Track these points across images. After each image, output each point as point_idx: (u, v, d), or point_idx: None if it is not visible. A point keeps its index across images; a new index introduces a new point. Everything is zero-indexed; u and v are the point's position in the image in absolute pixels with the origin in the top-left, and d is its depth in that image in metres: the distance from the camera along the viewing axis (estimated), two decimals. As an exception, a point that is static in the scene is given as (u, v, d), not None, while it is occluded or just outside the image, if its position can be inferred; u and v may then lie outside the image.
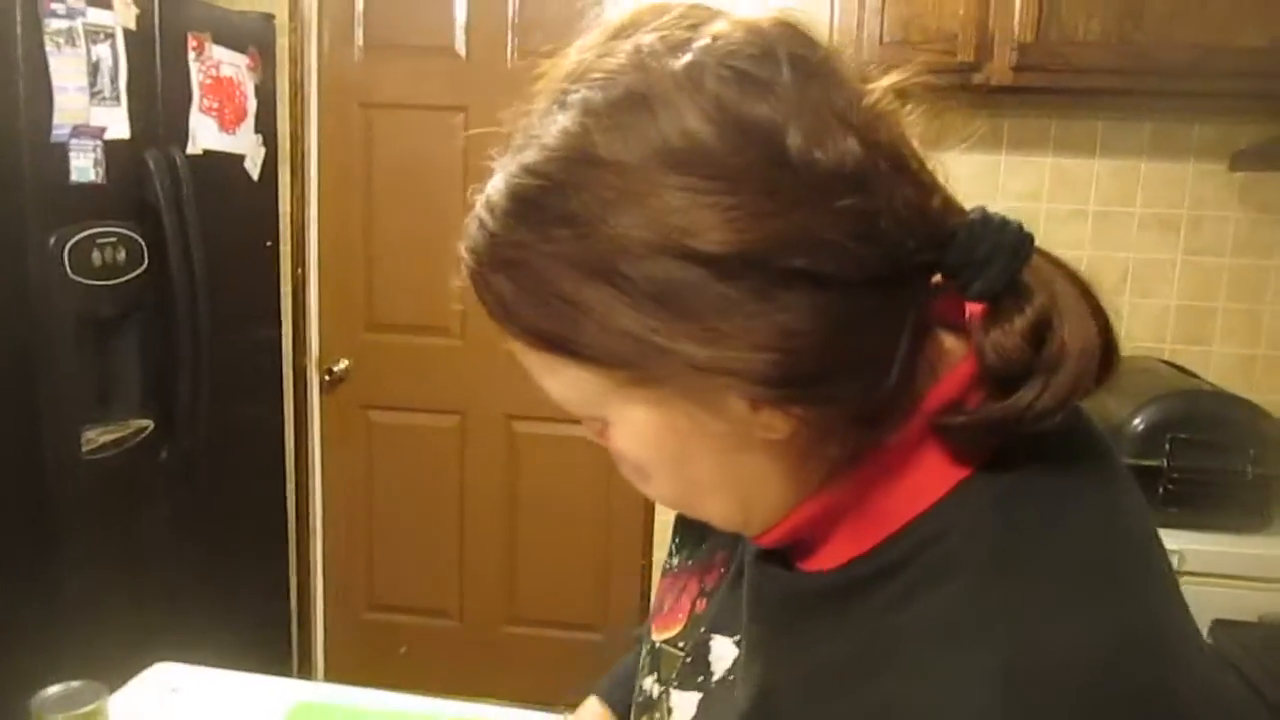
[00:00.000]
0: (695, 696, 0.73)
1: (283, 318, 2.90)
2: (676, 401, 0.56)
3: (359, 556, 3.17)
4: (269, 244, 2.76)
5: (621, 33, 0.57)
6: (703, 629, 0.75)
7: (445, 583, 3.15)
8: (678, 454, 0.59)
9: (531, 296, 0.56)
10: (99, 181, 1.99)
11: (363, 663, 3.14)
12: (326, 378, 3.05)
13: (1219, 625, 1.85)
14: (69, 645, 1.92)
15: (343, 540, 3.17)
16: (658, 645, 0.81)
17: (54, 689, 1.25)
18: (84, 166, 1.95)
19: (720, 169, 0.51)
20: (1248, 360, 2.55)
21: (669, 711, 0.74)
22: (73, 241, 1.92)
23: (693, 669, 0.74)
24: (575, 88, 0.56)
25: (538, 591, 3.09)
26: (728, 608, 0.74)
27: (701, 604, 0.79)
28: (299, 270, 2.93)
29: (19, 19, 1.78)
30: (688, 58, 0.54)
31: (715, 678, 0.72)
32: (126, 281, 2.07)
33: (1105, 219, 2.56)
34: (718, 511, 0.64)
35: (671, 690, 0.75)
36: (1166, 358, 2.52)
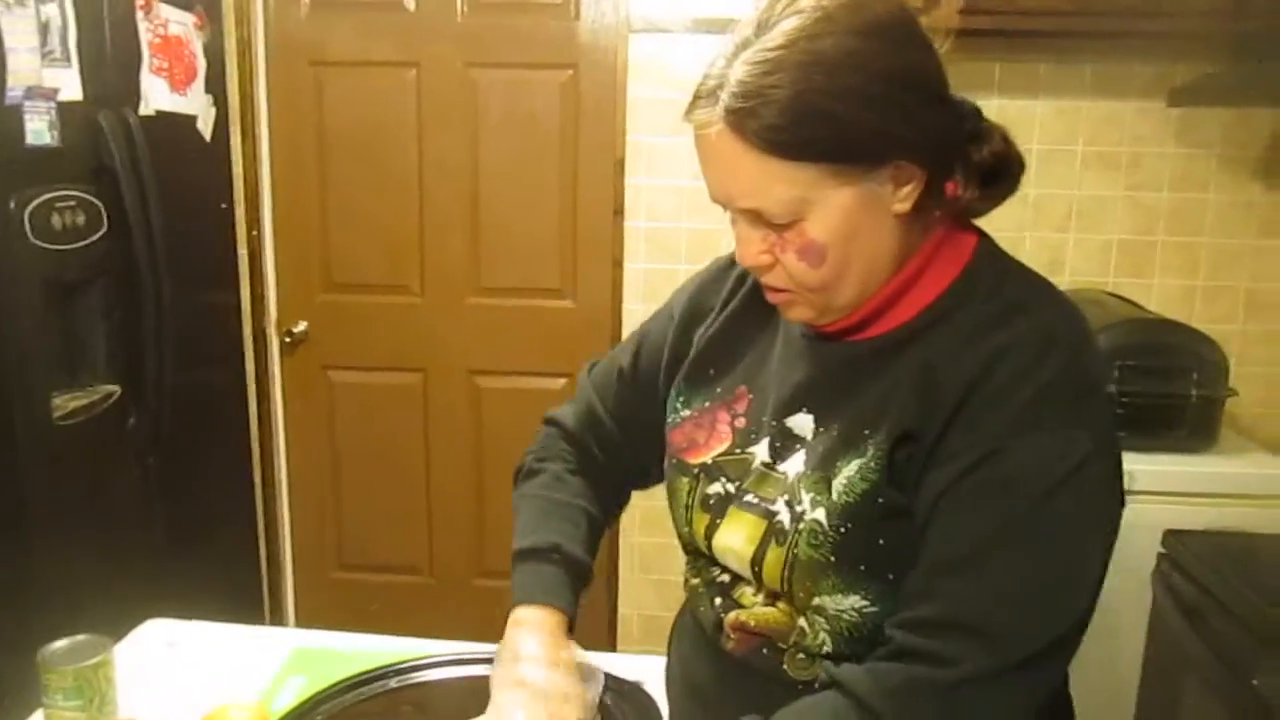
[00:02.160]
0: (799, 455, 0.98)
1: (240, 281, 2.88)
2: (867, 186, 0.87)
3: (326, 516, 3.18)
4: (224, 206, 2.73)
5: None
6: (772, 422, 1.01)
7: (414, 538, 3.17)
8: (850, 233, 0.89)
9: (801, 118, 0.84)
10: (54, 144, 1.95)
11: (335, 621, 3.15)
12: (286, 339, 3.04)
13: (1170, 534, 1.95)
14: (44, 608, 1.92)
15: (310, 501, 3.18)
16: (710, 461, 1.04)
17: (60, 643, 1.26)
18: (39, 129, 1.92)
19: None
20: (1188, 290, 2.66)
21: (782, 474, 0.99)
22: (32, 206, 1.89)
23: (785, 445, 1.00)
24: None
25: (506, 544, 3.13)
26: (788, 398, 1.00)
27: (740, 422, 1.04)
28: (254, 232, 2.91)
29: (-34, -22, 1.74)
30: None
31: (808, 438, 0.98)
32: (87, 246, 2.05)
33: (1049, 158, 2.64)
34: (851, 291, 0.93)
35: (776, 466, 1.00)
36: (1111, 290, 2.62)
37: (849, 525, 0.91)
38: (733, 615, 1.02)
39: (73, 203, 2.00)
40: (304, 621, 3.20)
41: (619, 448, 1.20)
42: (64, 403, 2.02)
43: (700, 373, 1.10)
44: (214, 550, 2.70)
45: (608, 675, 1.11)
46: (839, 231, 0.89)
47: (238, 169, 2.81)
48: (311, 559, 3.22)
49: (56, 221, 1.96)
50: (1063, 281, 2.63)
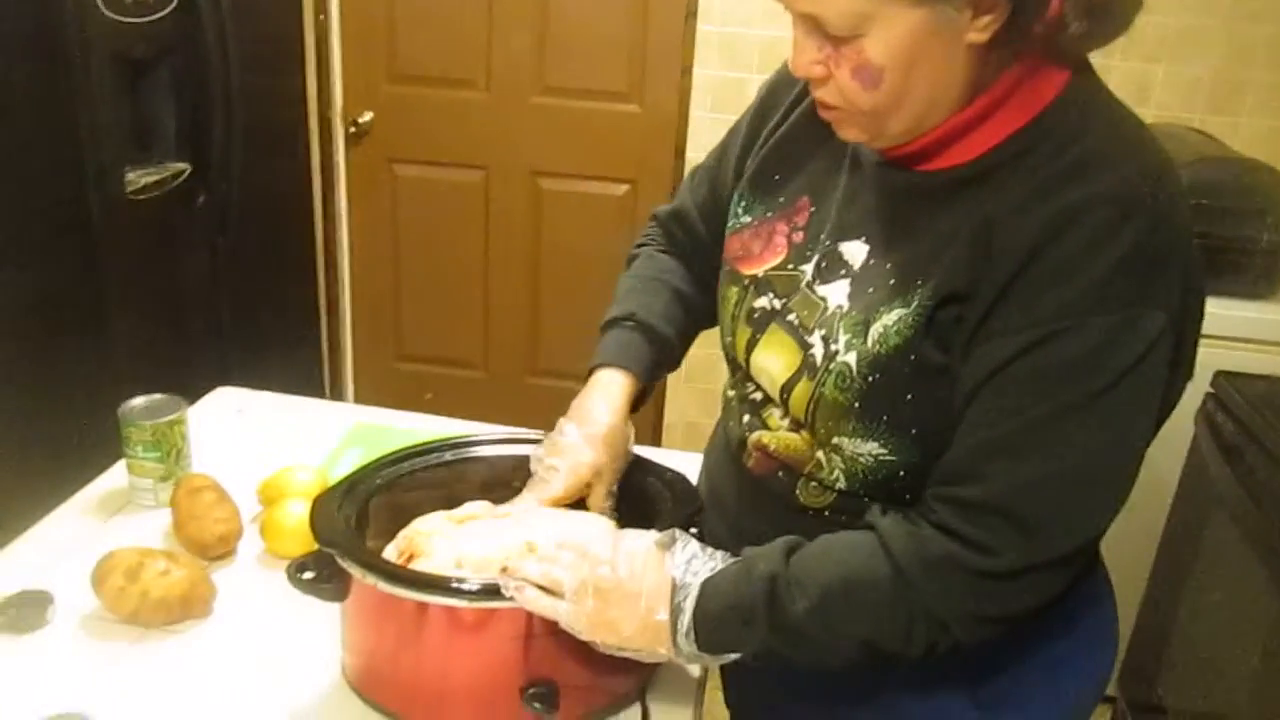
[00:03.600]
0: (843, 284, 0.95)
1: (306, 68, 2.86)
2: (941, 8, 0.80)
3: (385, 306, 3.27)
4: (292, -11, 2.69)
5: None
6: (827, 242, 0.98)
7: (470, 333, 3.26)
8: (911, 58, 0.82)
9: None
10: (125, -86, 1.93)
11: (391, 407, 3.30)
12: (351, 129, 3.05)
13: (1221, 375, 1.95)
14: (120, 370, 2.03)
15: (370, 290, 3.25)
16: (761, 275, 1.02)
17: (139, 400, 1.35)
18: (109, -103, 1.90)
19: None
20: (1275, 132, 2.54)
21: (822, 299, 0.96)
22: (102, -25, 1.88)
23: (830, 268, 0.96)
24: None
25: (559, 344, 3.21)
26: (846, 221, 0.97)
27: (798, 236, 1.01)
28: (320, 18, 2.87)
29: None
30: None
31: (856, 267, 0.94)
32: (158, 20, 2.05)
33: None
34: (906, 119, 0.87)
35: (816, 287, 0.97)
36: (1197, 126, 2.51)
37: (877, 375, 0.89)
38: (756, 435, 1.04)
39: (142, -26, 1.99)
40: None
41: (702, 240, 1.19)
42: (136, 178, 2.08)
43: (764, 178, 1.06)
44: (278, 332, 2.80)
45: (653, 463, 1.17)
46: (900, 55, 0.82)
47: (305, -51, 2.75)
48: (370, 347, 3.32)
49: (127, -7, 1.95)
50: (1147, 115, 2.52)
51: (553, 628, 0.95)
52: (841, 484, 0.96)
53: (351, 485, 1.07)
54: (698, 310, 1.20)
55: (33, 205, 1.85)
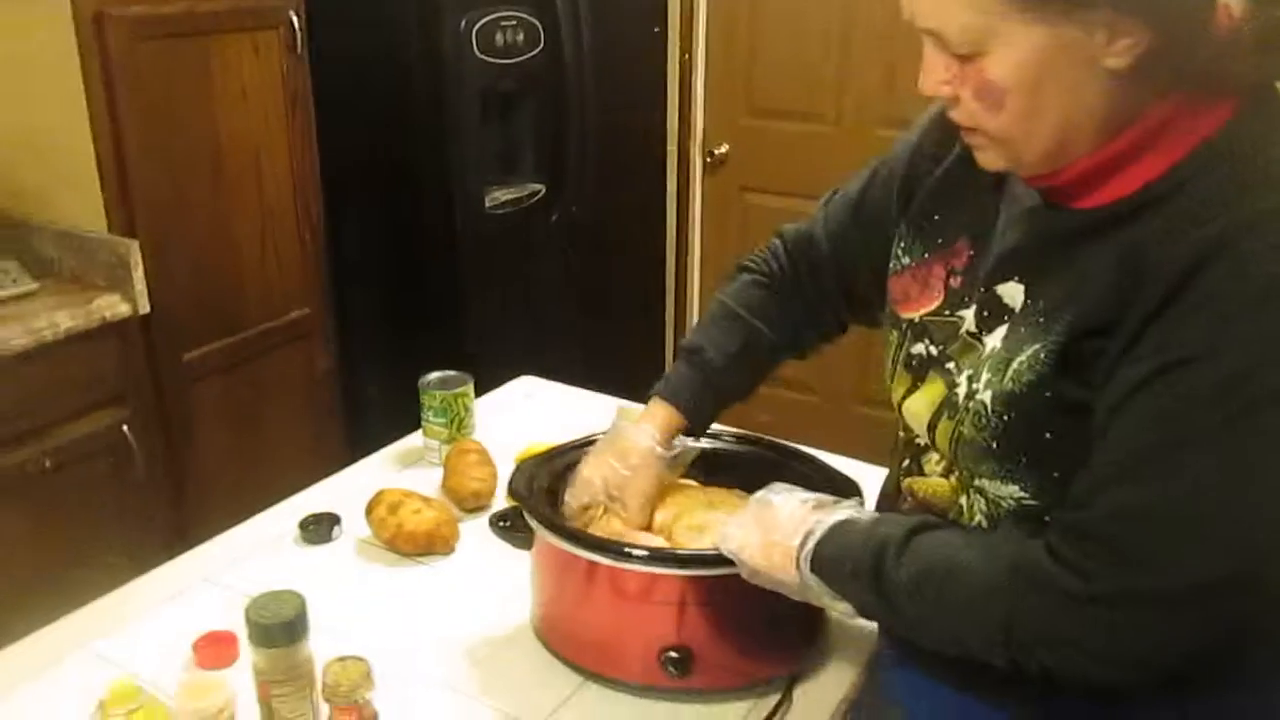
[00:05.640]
0: (1005, 328, 0.91)
1: (669, 101, 3.13)
2: (1067, 29, 0.77)
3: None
4: (656, 30, 2.97)
5: None
6: (982, 288, 0.93)
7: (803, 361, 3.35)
8: (1037, 81, 0.79)
9: None
10: (502, -31, 2.28)
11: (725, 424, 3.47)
12: (708, 159, 3.28)
13: None
14: (470, 360, 2.37)
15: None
16: (918, 319, 1.00)
17: (435, 374, 1.62)
18: (489, -43, 2.25)
19: None
20: None
21: (984, 347, 0.92)
22: (480, 24, 2.24)
23: (993, 314, 0.92)
24: None
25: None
26: (1000, 262, 0.92)
27: (956, 280, 0.98)
28: (686, 56, 3.13)
29: None
30: None
31: (1016, 310, 0.90)
32: (525, 60, 2.38)
33: None
34: (1039, 146, 0.83)
35: (983, 337, 0.93)
36: None
37: (1011, 414, 0.86)
38: (909, 481, 1.03)
39: (514, 22, 2.33)
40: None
41: (824, 269, 1.19)
42: (497, 195, 2.42)
43: (924, 217, 1.02)
44: (623, 335, 3.07)
45: (822, 463, 1.22)
46: (1023, 76, 0.79)
47: (674, -7, 3.02)
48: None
49: (499, 38, 2.30)
50: None
51: (703, 598, 1.05)
52: (984, 528, 0.94)
53: (551, 455, 1.23)
54: (770, 350, 1.23)
55: (407, 216, 2.24)
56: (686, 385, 1.21)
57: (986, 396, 0.89)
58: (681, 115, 3.19)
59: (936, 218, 1.02)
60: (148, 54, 1.91)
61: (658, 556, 1.06)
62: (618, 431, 1.19)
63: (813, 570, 0.95)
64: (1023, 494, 0.89)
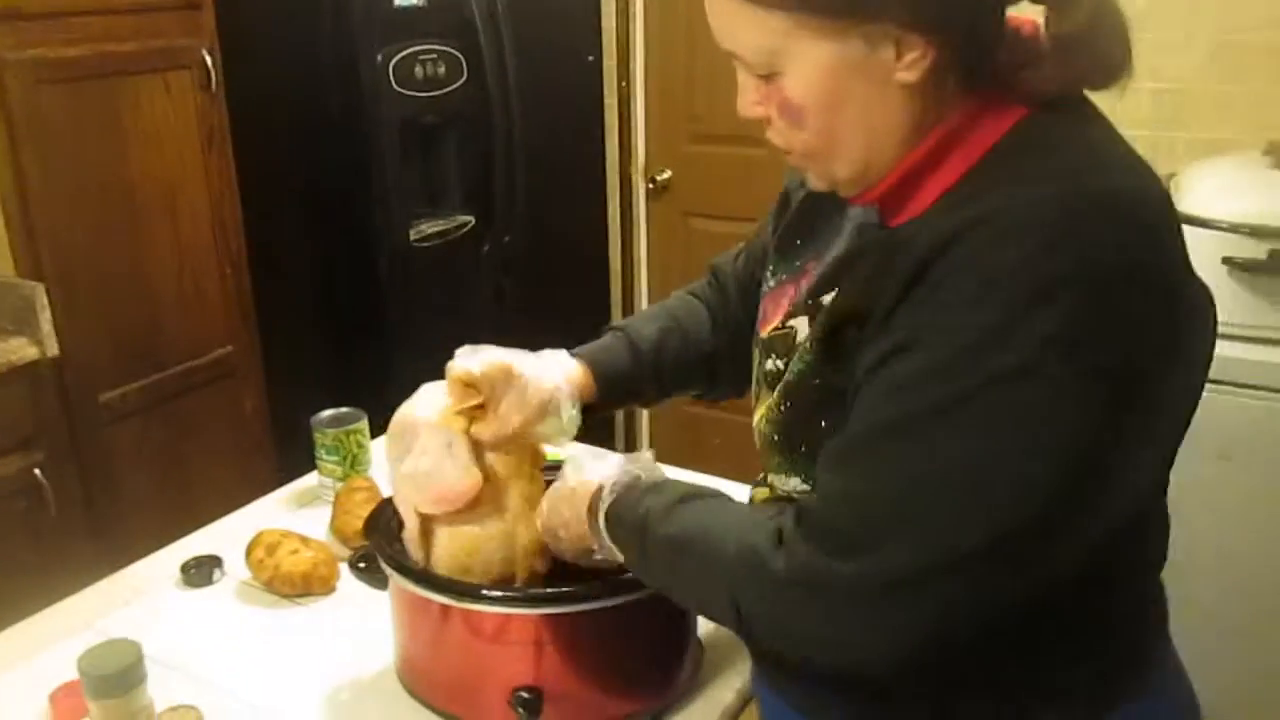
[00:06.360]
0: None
1: (607, 129, 3.14)
2: (852, 45, 0.78)
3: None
4: (590, 58, 2.98)
5: None
6: (808, 300, 0.94)
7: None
8: (832, 98, 0.80)
9: None
10: (420, 4, 2.29)
11: (684, 453, 3.46)
12: (650, 185, 3.28)
13: None
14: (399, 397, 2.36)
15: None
16: (765, 336, 1.00)
17: (327, 412, 1.60)
18: (406, -9, 2.26)
19: None
20: None
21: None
22: (397, 58, 2.24)
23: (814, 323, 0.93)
24: None
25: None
26: (826, 276, 0.93)
27: (800, 298, 0.97)
28: (624, 84, 3.14)
29: None
30: None
31: None
32: (447, 93, 2.39)
33: None
34: (846, 162, 0.84)
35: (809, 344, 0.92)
36: None
37: (788, 404, 0.89)
38: (753, 492, 1.05)
39: (434, 55, 2.34)
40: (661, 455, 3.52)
41: (730, 304, 1.20)
42: (423, 228, 2.42)
43: (789, 241, 1.04)
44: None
45: None
46: (818, 94, 0.80)
47: (609, 23, 3.03)
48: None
49: (419, 72, 2.30)
50: None
51: (554, 637, 1.04)
52: None
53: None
54: (697, 350, 1.19)
55: (331, 251, 2.24)
56: (598, 347, 1.18)
57: (777, 390, 0.91)
58: (622, 142, 3.20)
59: (798, 242, 1.03)
60: (52, 96, 1.91)
61: (505, 597, 1.05)
62: (541, 354, 1.15)
63: (606, 526, 0.96)
64: (804, 486, 0.90)
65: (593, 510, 0.98)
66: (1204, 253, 1.74)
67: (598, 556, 1.01)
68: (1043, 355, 0.71)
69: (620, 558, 0.98)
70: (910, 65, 0.78)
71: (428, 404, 1.11)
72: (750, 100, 0.86)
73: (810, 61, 0.79)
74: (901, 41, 0.77)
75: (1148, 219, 0.77)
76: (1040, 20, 0.82)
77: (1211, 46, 2.33)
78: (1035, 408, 0.73)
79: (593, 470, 1.01)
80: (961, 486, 0.74)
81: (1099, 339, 0.73)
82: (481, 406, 1.09)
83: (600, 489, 0.98)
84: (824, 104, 0.81)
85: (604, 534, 0.98)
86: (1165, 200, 0.80)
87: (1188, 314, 0.79)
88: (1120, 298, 0.73)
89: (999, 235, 0.74)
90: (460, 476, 1.06)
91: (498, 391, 1.08)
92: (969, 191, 0.80)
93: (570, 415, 1.11)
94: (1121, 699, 0.90)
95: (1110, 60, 0.80)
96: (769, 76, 0.82)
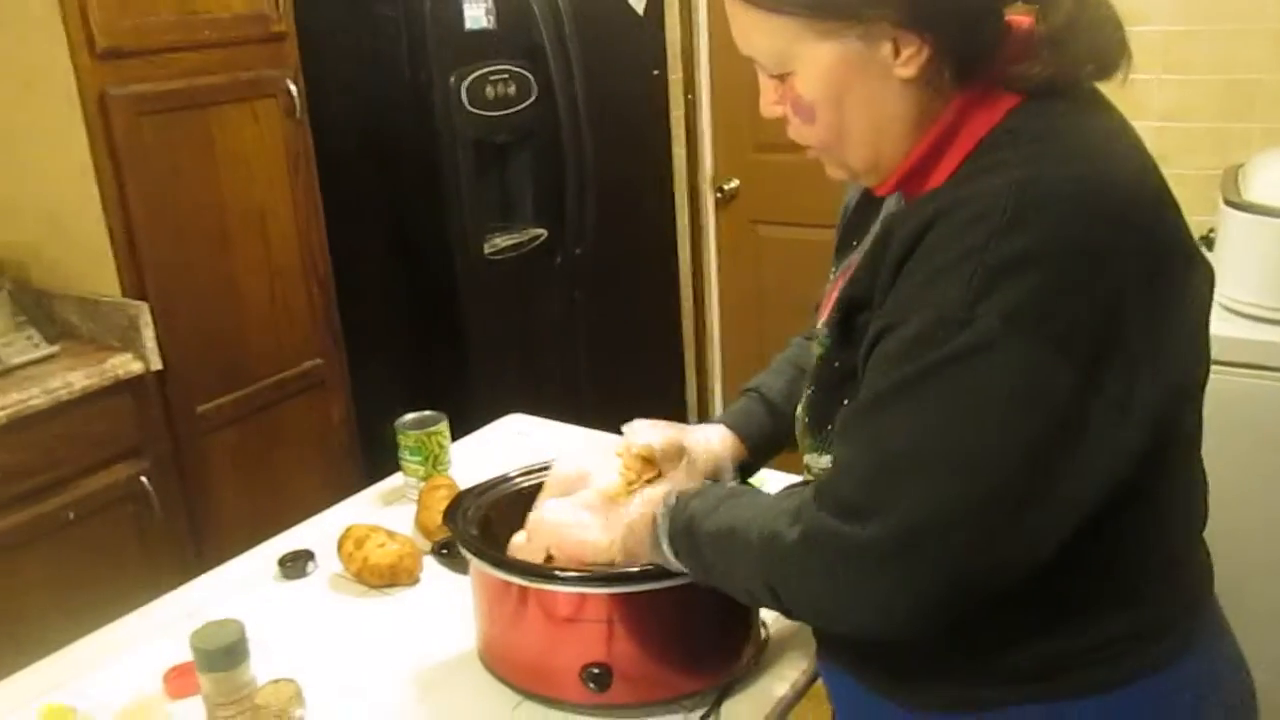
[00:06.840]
0: None
1: (674, 141, 3.21)
2: (853, 44, 0.84)
3: (750, 361, 3.49)
4: (655, 73, 3.05)
5: None
6: (840, 295, 0.98)
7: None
8: (839, 94, 0.87)
9: None
10: (490, 27, 2.38)
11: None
12: (718, 195, 3.34)
13: None
14: (476, 409, 2.45)
15: (735, 345, 3.50)
16: (815, 329, 1.06)
17: (411, 415, 1.69)
18: (476, 15, 2.36)
19: None
20: None
21: None
22: (469, 80, 2.34)
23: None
24: None
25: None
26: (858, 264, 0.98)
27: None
28: (690, 96, 3.20)
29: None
30: None
31: None
32: (518, 112, 2.48)
33: None
34: (858, 154, 0.91)
35: (827, 330, 0.99)
36: None
37: (814, 387, 0.98)
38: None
39: (505, 75, 2.43)
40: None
41: None
42: (496, 241, 2.51)
43: (845, 243, 1.10)
44: (635, 373, 3.13)
45: None
46: (826, 91, 0.87)
47: (673, 36, 3.10)
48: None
49: (490, 92, 2.40)
50: None
51: (623, 615, 1.10)
52: None
53: (488, 485, 1.30)
54: None
55: (410, 266, 2.34)
56: (740, 412, 1.26)
57: (808, 374, 1.01)
58: (689, 153, 3.27)
59: (853, 243, 1.08)
60: (151, 128, 2.05)
61: (578, 578, 1.11)
62: (702, 427, 1.24)
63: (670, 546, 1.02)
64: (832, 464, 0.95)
65: (654, 535, 1.04)
66: (1268, 240, 1.74)
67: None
68: (1003, 328, 0.77)
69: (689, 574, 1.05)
70: (907, 61, 0.85)
71: (601, 466, 1.19)
72: (770, 100, 0.94)
73: (816, 61, 0.87)
74: (899, 39, 0.84)
75: (1110, 206, 0.81)
76: (1028, 15, 0.88)
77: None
78: (997, 378, 0.78)
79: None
80: (938, 453, 0.80)
81: (1057, 316, 0.78)
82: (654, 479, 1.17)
83: (654, 518, 1.04)
84: (830, 100, 0.88)
85: (669, 556, 1.04)
86: (1138, 187, 0.84)
87: (1165, 294, 0.82)
88: (1075, 279, 0.78)
89: (965, 220, 0.80)
90: (601, 550, 1.11)
91: (669, 464, 1.17)
92: (962, 176, 0.86)
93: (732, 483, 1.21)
94: (1149, 664, 0.92)
95: (1101, 52, 0.86)
96: (783, 77, 0.90)
